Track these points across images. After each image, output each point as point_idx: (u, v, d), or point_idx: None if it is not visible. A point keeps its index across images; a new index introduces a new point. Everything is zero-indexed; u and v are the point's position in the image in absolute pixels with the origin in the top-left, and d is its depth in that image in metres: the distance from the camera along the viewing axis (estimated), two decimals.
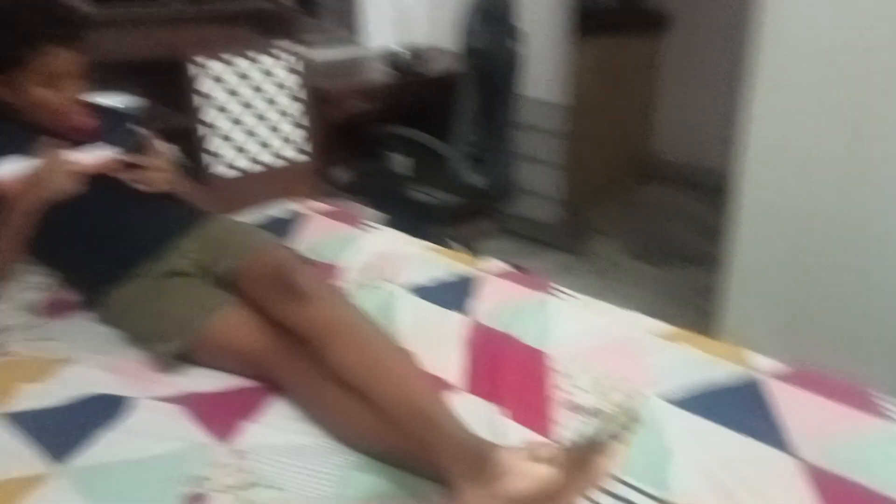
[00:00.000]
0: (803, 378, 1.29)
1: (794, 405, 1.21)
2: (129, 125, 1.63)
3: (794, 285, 2.08)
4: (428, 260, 1.76)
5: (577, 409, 1.22)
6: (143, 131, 1.56)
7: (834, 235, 1.96)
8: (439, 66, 2.90)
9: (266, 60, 2.05)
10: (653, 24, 4.04)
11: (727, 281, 2.20)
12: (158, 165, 1.53)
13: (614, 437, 0.95)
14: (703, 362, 1.34)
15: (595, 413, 1.20)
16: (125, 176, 1.49)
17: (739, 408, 1.21)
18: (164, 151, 1.58)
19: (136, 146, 1.52)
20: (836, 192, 1.93)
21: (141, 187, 1.50)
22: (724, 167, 2.20)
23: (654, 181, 4.23)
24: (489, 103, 2.44)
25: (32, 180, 1.38)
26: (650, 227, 3.55)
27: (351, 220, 1.98)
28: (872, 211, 1.87)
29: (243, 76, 2.01)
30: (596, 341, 1.41)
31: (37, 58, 1.37)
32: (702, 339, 1.45)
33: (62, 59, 1.39)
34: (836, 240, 1.96)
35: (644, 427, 1.14)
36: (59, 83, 1.41)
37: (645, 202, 3.94)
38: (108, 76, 1.74)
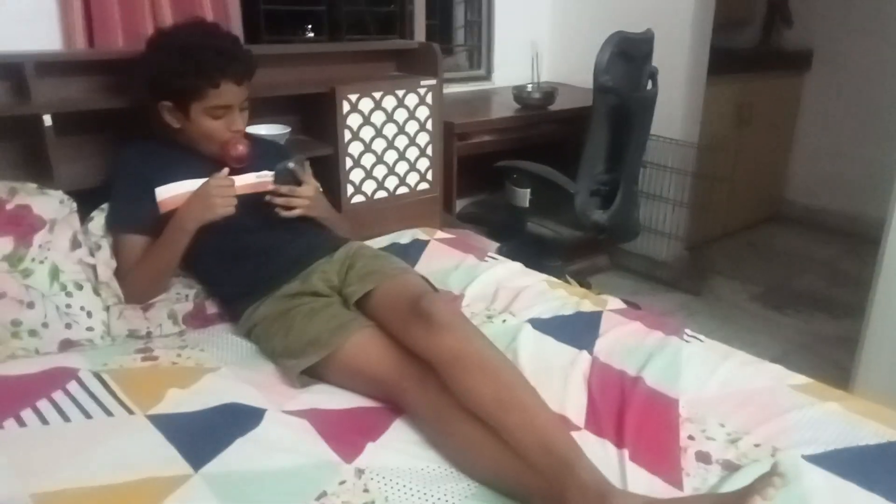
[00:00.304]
0: None
1: None
2: (288, 155, 1.75)
3: None
4: (548, 293, 1.76)
5: (707, 459, 1.17)
6: (300, 160, 1.66)
7: None
8: (567, 103, 2.92)
9: (401, 93, 2.14)
10: (792, 63, 3.88)
11: (869, 333, 2.04)
12: (305, 193, 1.62)
13: (761, 495, 0.90)
14: (846, 420, 1.25)
15: (728, 466, 1.14)
16: (274, 200, 1.59)
17: (886, 471, 1.11)
18: (313, 180, 1.68)
19: (290, 173, 1.62)
20: None
21: (283, 212, 1.60)
22: (865, 212, 2.06)
23: (784, 224, 4.01)
24: (619, 141, 2.43)
25: (196, 201, 1.52)
26: (776, 270, 3.36)
27: (474, 251, 2.01)
28: None
29: (380, 108, 2.11)
30: (729, 389, 1.35)
31: (210, 91, 1.51)
32: (844, 395, 1.35)
33: (231, 93, 1.53)
34: None
35: (786, 485, 1.07)
36: (224, 115, 1.55)
37: (772, 245, 3.74)
38: (263, 107, 1.89)
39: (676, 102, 2.97)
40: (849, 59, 3.70)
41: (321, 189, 1.77)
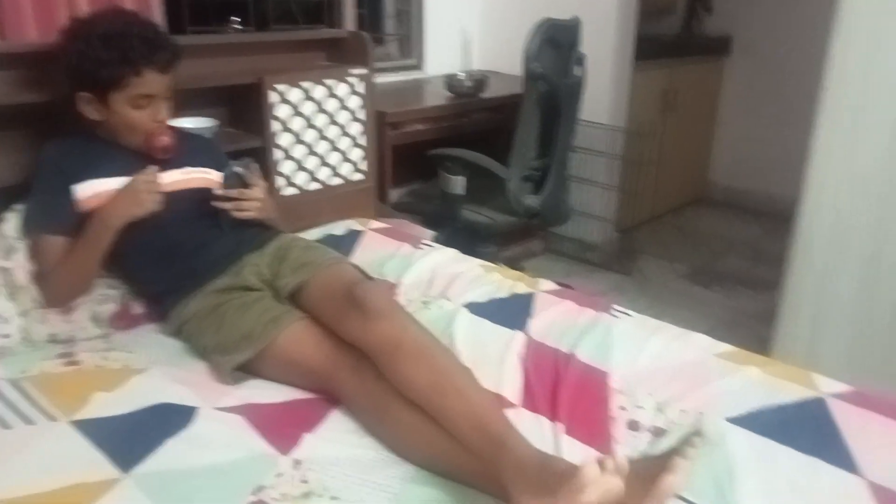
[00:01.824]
0: (870, 400, 1.25)
1: (861, 427, 1.18)
2: (217, 150, 1.69)
3: (855, 312, 2.02)
4: (483, 278, 1.78)
5: (638, 427, 1.21)
6: (246, 163, 1.62)
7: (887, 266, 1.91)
8: (498, 91, 2.95)
9: (331, 83, 2.12)
10: (713, 49, 4.02)
11: (785, 306, 2.15)
12: (255, 196, 1.58)
13: (682, 455, 0.95)
14: (768, 384, 1.31)
15: (658, 433, 1.18)
16: (222, 206, 1.55)
17: (806, 429, 1.18)
18: (262, 182, 1.64)
19: (237, 177, 1.58)
20: None
21: (241, 214, 1.55)
22: (783, 193, 2.17)
23: (709, 206, 4.17)
24: (549, 127, 2.47)
25: (122, 197, 1.46)
26: (702, 250, 3.49)
27: (409, 239, 2.01)
28: None
29: (310, 98, 2.08)
30: (658, 362, 1.40)
31: (133, 80, 1.45)
32: (763, 359, 1.42)
33: (156, 82, 1.48)
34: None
35: (710, 447, 1.12)
36: (148, 105, 1.50)
37: (698, 226, 3.89)
38: (188, 100, 1.84)
39: (604, 88, 3.05)
40: (766, 45, 3.86)
41: (269, 190, 1.73)
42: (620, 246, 3.35)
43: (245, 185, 1.59)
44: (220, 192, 1.56)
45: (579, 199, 3.08)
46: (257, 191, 1.58)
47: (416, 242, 2.00)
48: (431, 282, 1.76)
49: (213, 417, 1.25)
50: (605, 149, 3.11)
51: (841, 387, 1.31)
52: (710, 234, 3.75)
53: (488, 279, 1.78)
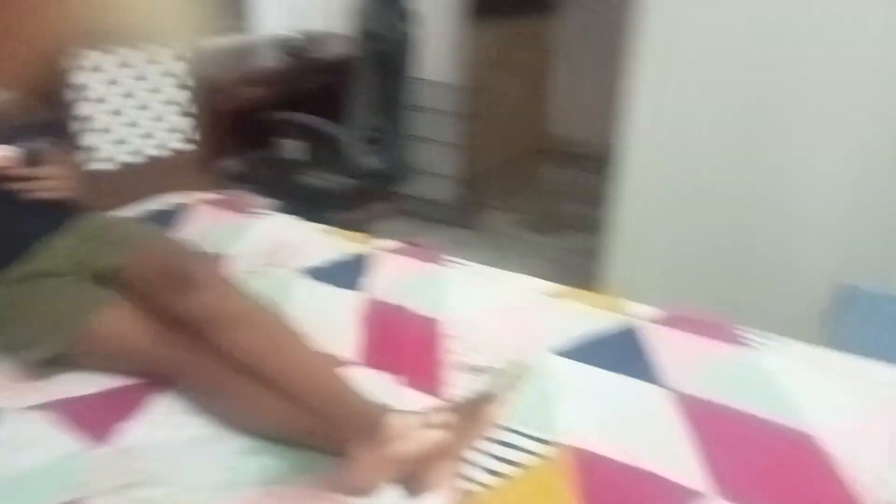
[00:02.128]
0: (675, 320, 1.40)
1: (667, 344, 1.31)
2: (37, 137, 1.52)
3: (670, 246, 2.22)
4: (320, 242, 1.76)
5: (469, 369, 1.27)
6: (39, 142, 1.46)
7: (708, 200, 2.11)
8: (332, 51, 2.88)
9: (152, 48, 1.97)
10: (545, 6, 4.15)
11: (610, 244, 2.33)
12: (48, 174, 1.43)
13: (502, 389, 1.00)
14: (587, 315, 1.42)
15: (486, 371, 1.25)
16: (19, 186, 1.39)
17: (619, 351, 1.29)
18: (66, 158, 1.49)
19: (33, 155, 1.42)
20: (712, 160, 2.07)
21: (39, 195, 1.41)
22: (611, 140, 2.31)
23: (550, 157, 4.36)
24: (385, 86, 2.45)
25: None
26: (543, 200, 3.67)
27: (240, 209, 1.95)
28: (746, 176, 2.03)
29: (124, 65, 1.92)
30: (487, 306, 1.46)
31: None
32: (586, 294, 1.53)
33: None
34: (710, 204, 2.10)
35: (533, 378, 1.20)
36: None
37: (539, 177, 4.07)
38: None
39: (440, 46, 3.07)
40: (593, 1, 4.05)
41: (75, 166, 1.59)
42: (464, 201, 3.44)
43: (41, 162, 1.45)
44: (12, 171, 1.42)
45: (423, 157, 3.11)
46: (55, 168, 1.45)
47: (247, 212, 1.94)
48: (267, 250, 1.72)
49: (21, 418, 1.14)
50: (445, 106, 3.15)
51: (651, 311, 1.44)
52: (548, 182, 3.94)
53: (327, 242, 1.77)
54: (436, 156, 3.24)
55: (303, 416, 1.10)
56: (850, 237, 1.94)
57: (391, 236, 1.93)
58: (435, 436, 0.95)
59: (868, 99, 1.84)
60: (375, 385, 1.22)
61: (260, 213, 1.93)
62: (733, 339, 1.34)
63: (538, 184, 3.92)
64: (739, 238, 2.08)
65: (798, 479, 1.00)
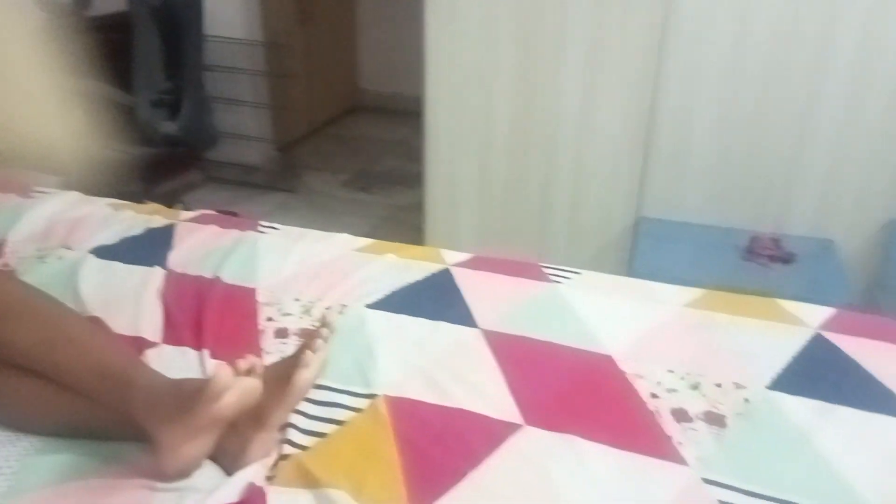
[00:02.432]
0: (485, 263, 1.45)
1: (477, 287, 1.35)
2: None
3: (480, 195, 2.29)
4: (112, 218, 1.61)
5: (287, 334, 1.23)
6: None
7: (508, 148, 2.19)
8: (105, 7, 2.59)
9: None
10: None
11: (429, 197, 2.36)
12: None
13: (311, 349, 0.98)
14: (402, 267, 1.42)
15: (303, 334, 1.21)
16: None
17: (433, 299, 1.31)
18: None
19: None
20: (508, 108, 2.14)
21: None
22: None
23: (364, 113, 4.32)
24: (172, 44, 2.26)
25: None
26: (361, 156, 3.64)
27: (15, 189, 1.72)
28: (541, 122, 2.12)
29: None
30: (302, 267, 1.42)
31: None
32: (401, 247, 1.54)
33: None
34: (512, 152, 2.19)
35: (348, 334, 1.18)
36: None
37: (355, 133, 4.02)
38: None
39: (233, 1, 2.88)
40: None
41: None
42: (282, 164, 3.32)
43: None
44: None
45: (230, 120, 2.95)
46: None
47: (24, 191, 1.72)
48: (48, 231, 1.54)
49: None
50: (246, 65, 2.98)
51: (463, 257, 1.48)
52: (366, 139, 3.91)
53: (119, 218, 1.62)
54: (247, 118, 3.08)
55: (92, 407, 1.01)
56: (640, 174, 2.11)
57: (204, 206, 1.82)
58: (248, 392, 0.90)
59: (635, 44, 1.99)
60: (182, 363, 1.15)
61: (38, 192, 1.72)
62: (539, 277, 1.41)
63: (357, 142, 3.87)
64: (543, 182, 2.20)
65: (601, 399, 1.08)
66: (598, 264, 2.20)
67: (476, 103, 2.18)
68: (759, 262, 1.91)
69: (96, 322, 1.14)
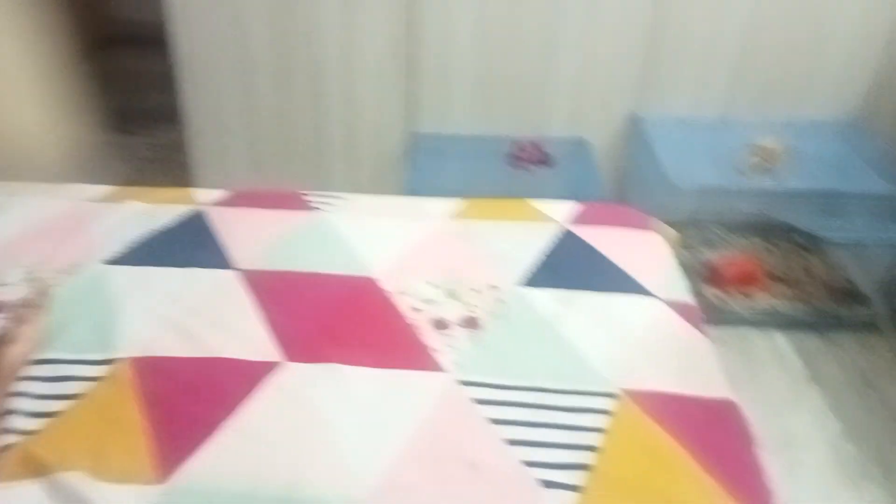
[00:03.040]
0: (243, 199, 1.36)
1: (234, 225, 1.28)
2: None
3: (247, 128, 2.16)
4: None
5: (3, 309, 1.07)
6: None
7: (274, 72, 2.06)
8: None
9: None
10: None
11: (193, 132, 2.18)
12: None
13: (20, 321, 0.86)
14: (148, 213, 1.30)
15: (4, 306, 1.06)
16: None
17: (184, 244, 1.22)
18: None
19: None
20: (268, 33, 2.00)
21: None
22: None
23: (118, 44, 3.86)
24: None
25: None
26: (122, 93, 3.27)
27: None
28: (303, 47, 2.01)
29: None
30: (24, 227, 1.24)
31: None
32: (147, 191, 1.40)
33: None
34: (277, 76, 2.06)
35: (82, 296, 1.06)
36: None
37: (112, 68, 3.59)
38: None
39: None
40: None
41: None
42: None
43: None
44: None
45: None
46: None
47: None
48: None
49: None
50: None
51: (219, 195, 1.38)
52: (124, 74, 3.51)
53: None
54: None
55: None
56: (406, 91, 2.09)
57: None
58: None
59: None
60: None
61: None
62: (302, 206, 1.36)
63: (113, 76, 3.45)
64: (312, 107, 2.11)
65: (362, 322, 1.08)
66: (376, 185, 2.19)
67: (228, 29, 2.00)
68: (523, 166, 2.01)
69: None
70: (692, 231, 2.23)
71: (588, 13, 1.97)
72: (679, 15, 1.97)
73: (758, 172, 1.88)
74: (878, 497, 1.47)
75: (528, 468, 0.85)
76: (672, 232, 2.06)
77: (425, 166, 2.03)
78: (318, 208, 1.36)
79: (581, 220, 1.35)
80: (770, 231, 2.12)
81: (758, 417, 1.63)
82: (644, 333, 1.07)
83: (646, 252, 1.27)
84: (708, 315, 1.87)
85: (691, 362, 1.04)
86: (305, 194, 1.41)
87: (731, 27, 1.98)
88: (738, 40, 2.00)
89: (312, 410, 0.92)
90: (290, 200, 1.38)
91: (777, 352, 1.87)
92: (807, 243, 2.17)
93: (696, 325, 1.11)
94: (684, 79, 2.06)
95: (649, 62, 2.04)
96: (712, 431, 0.92)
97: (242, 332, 1.03)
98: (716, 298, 1.96)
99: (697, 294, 1.95)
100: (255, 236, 1.25)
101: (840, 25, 1.99)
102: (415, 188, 1.90)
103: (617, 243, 1.28)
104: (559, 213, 1.38)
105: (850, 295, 2.01)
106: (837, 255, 2.16)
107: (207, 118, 2.14)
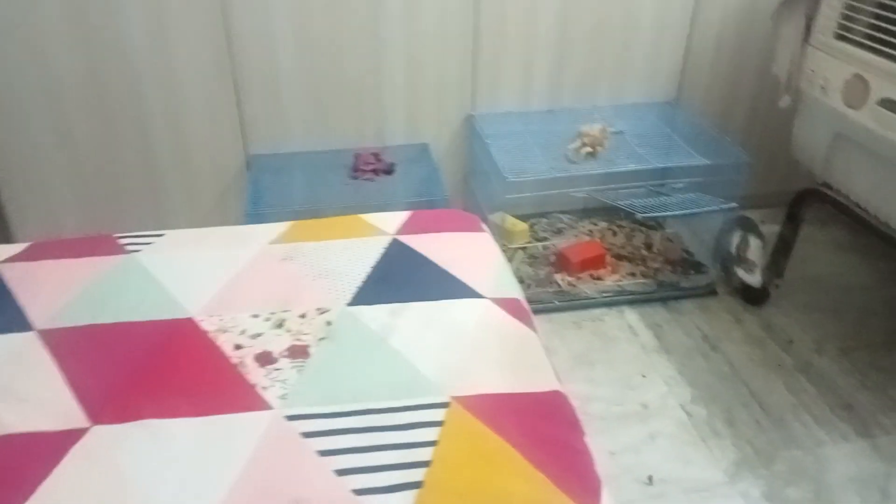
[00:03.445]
0: (45, 249, 1.25)
1: (32, 280, 1.16)
2: None
3: (69, 167, 2.00)
4: None
5: None
6: None
7: (87, 104, 1.91)
8: None
9: None
10: None
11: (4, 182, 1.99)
12: None
13: None
14: None
15: None
16: None
17: None
18: None
19: None
20: (71, 58, 1.85)
21: None
22: None
23: None
24: None
25: None
26: None
27: None
28: (111, 72, 1.87)
29: None
30: None
31: None
32: None
33: None
34: (92, 108, 1.92)
35: None
36: None
37: None
38: None
39: None
40: None
41: None
42: None
43: None
44: None
45: None
46: None
47: None
48: None
49: None
50: None
51: (15, 249, 1.26)
52: None
53: None
54: None
55: None
56: (238, 112, 2.00)
57: None
58: None
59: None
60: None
61: None
62: (113, 250, 1.27)
63: None
64: (139, 142, 1.98)
65: (178, 370, 1.01)
66: (219, 214, 2.09)
67: (29, 58, 1.83)
68: (365, 177, 1.98)
69: None
70: (541, 221, 2.30)
71: (411, 18, 1.97)
72: (498, 14, 2.01)
73: (585, 158, 1.96)
74: (728, 453, 1.57)
75: (358, 497, 0.83)
76: (522, 225, 2.12)
77: (267, 188, 1.97)
78: (131, 251, 1.27)
79: (409, 228, 1.34)
80: (613, 213, 2.22)
81: (616, 393, 1.73)
82: (473, 337, 1.07)
83: (473, 253, 1.27)
84: (561, 301, 1.96)
85: (518, 358, 1.05)
86: (119, 237, 1.32)
87: (547, 21, 2.06)
88: (555, 34, 2.08)
89: (123, 474, 0.85)
90: (99, 246, 1.27)
91: (628, 328, 1.95)
92: (645, 221, 2.29)
93: (523, 320, 1.13)
94: (511, 75, 2.11)
95: (478, 62, 2.07)
96: (540, 426, 0.93)
97: (43, 401, 0.94)
98: (567, 284, 2.03)
99: (550, 282, 2.03)
100: (56, 290, 1.14)
101: (647, 12, 2.11)
102: (259, 213, 1.84)
103: (445, 248, 1.28)
104: (390, 224, 1.36)
105: (688, 264, 2.14)
106: (674, 229, 2.29)
107: (17, 163, 1.95)
